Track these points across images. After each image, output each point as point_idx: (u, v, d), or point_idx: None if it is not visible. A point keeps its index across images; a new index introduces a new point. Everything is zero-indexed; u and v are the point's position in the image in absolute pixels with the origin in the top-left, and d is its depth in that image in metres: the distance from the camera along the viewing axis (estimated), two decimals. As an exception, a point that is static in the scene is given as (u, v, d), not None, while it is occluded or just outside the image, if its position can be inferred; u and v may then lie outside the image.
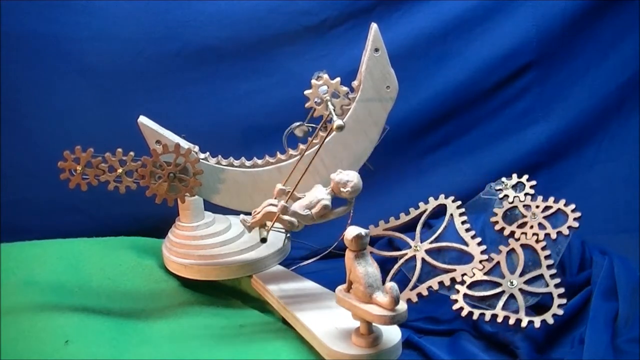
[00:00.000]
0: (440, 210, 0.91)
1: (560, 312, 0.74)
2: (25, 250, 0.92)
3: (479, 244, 0.85)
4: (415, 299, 0.81)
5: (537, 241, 0.81)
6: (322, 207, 0.72)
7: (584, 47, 1.12)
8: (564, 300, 0.74)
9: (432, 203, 0.91)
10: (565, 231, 0.82)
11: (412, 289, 0.82)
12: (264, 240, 0.73)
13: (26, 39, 1.00)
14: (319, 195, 0.73)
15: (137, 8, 1.02)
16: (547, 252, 0.80)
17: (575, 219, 0.84)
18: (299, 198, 0.75)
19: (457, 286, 0.81)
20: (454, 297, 0.80)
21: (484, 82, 1.11)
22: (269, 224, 0.73)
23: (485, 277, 0.81)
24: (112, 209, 1.02)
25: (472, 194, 0.94)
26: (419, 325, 0.84)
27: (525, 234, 0.83)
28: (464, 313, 0.78)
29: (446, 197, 0.91)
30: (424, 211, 0.90)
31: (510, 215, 0.87)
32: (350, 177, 0.72)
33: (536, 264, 0.79)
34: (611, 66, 1.12)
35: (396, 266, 0.85)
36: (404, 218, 0.91)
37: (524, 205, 0.87)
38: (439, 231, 0.88)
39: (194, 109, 1.06)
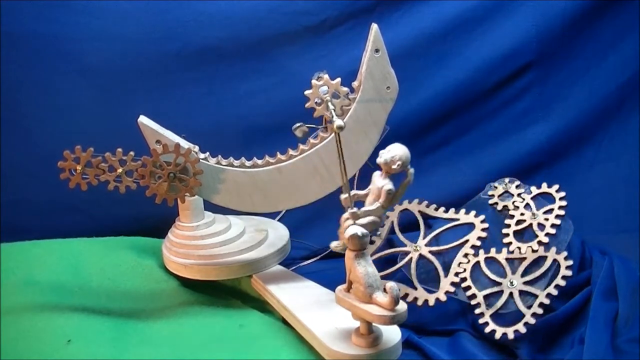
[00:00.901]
0: (408, 216, 0.91)
1: (512, 336, 0.74)
2: (25, 250, 0.92)
3: (466, 212, 0.86)
4: (456, 279, 0.81)
5: (566, 259, 0.79)
6: (387, 194, 0.74)
7: (584, 47, 1.12)
8: (523, 330, 0.74)
9: (393, 214, 0.91)
10: (562, 211, 0.84)
11: (445, 277, 0.82)
12: None
13: (26, 39, 0.99)
14: (379, 183, 0.74)
15: (137, 8, 1.02)
16: (563, 282, 0.77)
17: (561, 198, 0.86)
18: (362, 195, 0.76)
19: (480, 251, 0.83)
20: (470, 256, 0.82)
21: (484, 82, 1.11)
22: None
23: (503, 262, 0.81)
24: (112, 209, 1.02)
25: (472, 194, 0.94)
26: (419, 325, 0.83)
27: (547, 244, 0.82)
28: (461, 275, 0.81)
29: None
30: (392, 222, 0.91)
31: (521, 235, 0.86)
32: (393, 152, 0.73)
33: (545, 284, 0.78)
34: (611, 66, 1.12)
35: (412, 270, 0.84)
36: (378, 239, 0.90)
37: (520, 216, 0.87)
38: (422, 228, 0.88)
39: (194, 109, 1.06)
